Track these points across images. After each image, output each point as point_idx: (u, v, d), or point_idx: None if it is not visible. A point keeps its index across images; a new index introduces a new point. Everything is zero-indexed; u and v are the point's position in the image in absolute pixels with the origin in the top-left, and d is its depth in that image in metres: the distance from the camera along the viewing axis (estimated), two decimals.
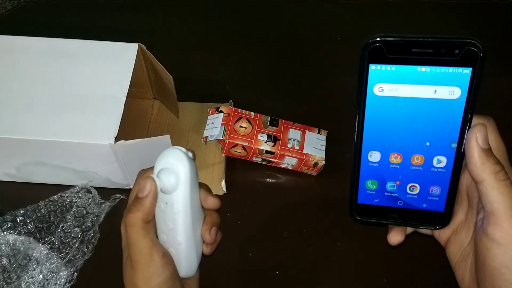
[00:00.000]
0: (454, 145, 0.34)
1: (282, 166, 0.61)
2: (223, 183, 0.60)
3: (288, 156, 0.59)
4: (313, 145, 0.60)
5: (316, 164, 0.59)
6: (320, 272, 0.55)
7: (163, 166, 0.38)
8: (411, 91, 0.33)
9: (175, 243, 0.40)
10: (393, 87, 0.33)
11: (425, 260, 0.55)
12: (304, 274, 0.55)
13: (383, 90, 0.34)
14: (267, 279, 0.54)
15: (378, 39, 0.32)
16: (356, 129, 0.35)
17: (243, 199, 0.60)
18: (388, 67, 0.33)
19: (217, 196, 0.43)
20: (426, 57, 0.32)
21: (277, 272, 0.55)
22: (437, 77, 0.32)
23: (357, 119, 0.35)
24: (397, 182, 0.37)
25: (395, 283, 0.54)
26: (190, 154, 0.39)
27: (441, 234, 0.39)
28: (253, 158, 0.61)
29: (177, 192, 0.38)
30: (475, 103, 0.33)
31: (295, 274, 0.55)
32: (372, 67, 0.33)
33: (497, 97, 0.68)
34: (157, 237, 0.40)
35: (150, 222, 0.39)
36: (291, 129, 0.61)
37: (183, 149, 0.39)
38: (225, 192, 0.60)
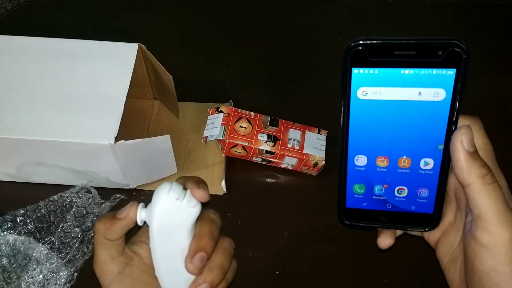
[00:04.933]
0: (441, 147, 0.34)
1: (282, 166, 0.61)
2: (223, 183, 0.60)
3: (288, 156, 0.59)
4: (313, 145, 0.60)
5: (316, 164, 0.59)
6: (320, 272, 0.55)
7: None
8: (396, 94, 0.33)
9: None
10: (377, 90, 0.33)
11: (425, 260, 0.54)
12: (304, 274, 0.55)
13: (367, 93, 0.33)
14: (267, 279, 0.54)
15: (360, 42, 0.32)
16: (341, 134, 0.35)
17: (243, 199, 0.60)
18: (371, 71, 0.32)
19: (214, 195, 0.42)
20: (409, 59, 0.31)
21: (277, 272, 0.55)
22: (421, 79, 0.32)
23: (341, 123, 0.35)
24: (384, 186, 0.36)
25: (395, 283, 0.54)
26: (177, 194, 0.35)
27: (431, 236, 0.39)
28: (253, 158, 0.60)
29: (149, 229, 0.37)
30: (461, 104, 0.32)
31: (295, 274, 0.55)
32: (355, 70, 0.32)
33: (496, 97, 0.68)
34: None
35: (115, 242, 0.38)
36: (291, 129, 0.61)
37: (176, 186, 0.36)
38: (225, 192, 0.60)
